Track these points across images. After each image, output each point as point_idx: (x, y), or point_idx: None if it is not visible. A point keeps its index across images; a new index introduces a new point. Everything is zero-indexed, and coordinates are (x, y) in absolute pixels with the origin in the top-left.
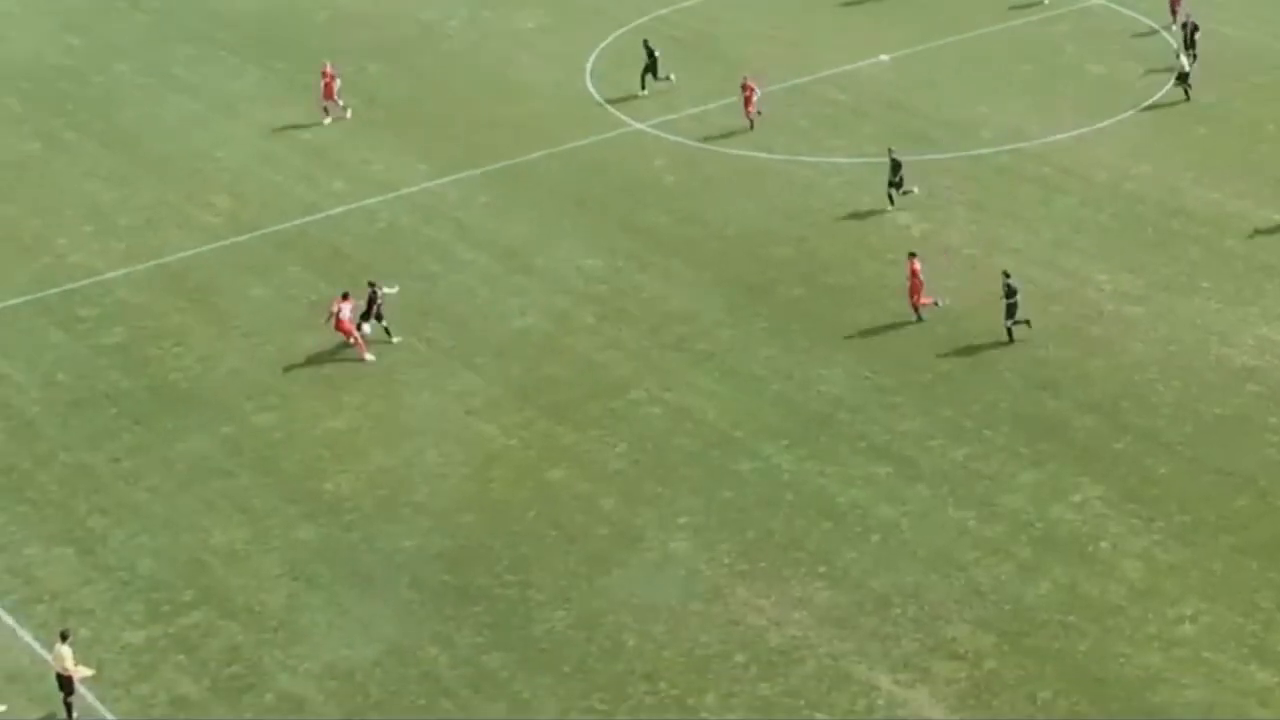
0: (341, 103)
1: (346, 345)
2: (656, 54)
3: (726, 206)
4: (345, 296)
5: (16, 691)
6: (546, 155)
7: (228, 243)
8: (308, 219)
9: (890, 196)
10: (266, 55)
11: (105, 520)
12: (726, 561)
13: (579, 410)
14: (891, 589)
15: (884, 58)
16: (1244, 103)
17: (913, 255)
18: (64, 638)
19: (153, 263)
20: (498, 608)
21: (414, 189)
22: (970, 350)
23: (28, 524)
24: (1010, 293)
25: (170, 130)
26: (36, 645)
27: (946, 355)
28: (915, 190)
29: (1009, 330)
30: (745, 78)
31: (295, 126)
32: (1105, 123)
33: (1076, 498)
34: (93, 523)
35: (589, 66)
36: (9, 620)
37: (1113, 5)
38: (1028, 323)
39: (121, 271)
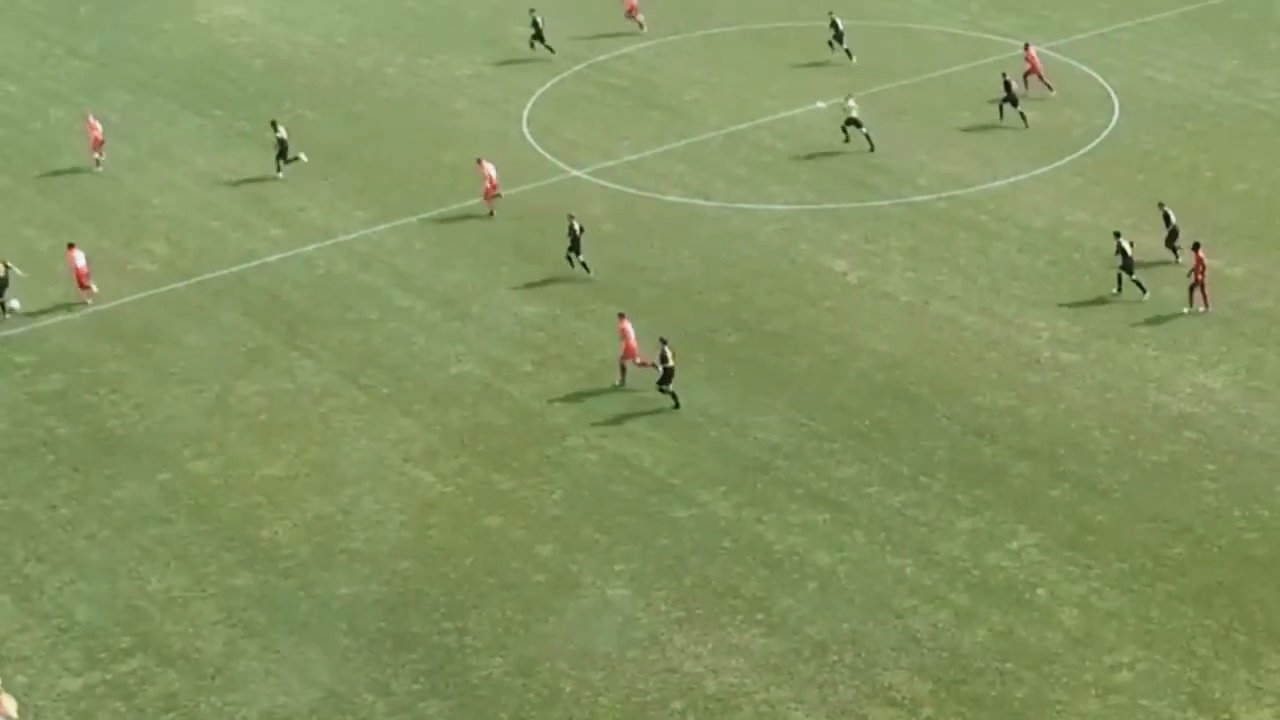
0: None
1: (285, 393)
2: (540, 21)
3: (663, 253)
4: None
5: None
6: (484, 203)
7: (165, 289)
8: (245, 266)
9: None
10: (203, 102)
11: (42, 567)
12: (664, 608)
13: (516, 457)
14: (829, 636)
15: (820, 104)
16: (1180, 149)
17: (621, 315)
18: None
19: (90, 310)
20: (435, 655)
21: (351, 236)
22: (907, 397)
23: None
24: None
25: (107, 177)
26: None
27: (884, 402)
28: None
29: (1138, 284)
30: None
31: (232, 173)
32: (1042, 169)
33: (1013, 544)
34: (30, 570)
35: (526, 114)
36: None
37: (1049, 52)
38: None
39: (58, 319)
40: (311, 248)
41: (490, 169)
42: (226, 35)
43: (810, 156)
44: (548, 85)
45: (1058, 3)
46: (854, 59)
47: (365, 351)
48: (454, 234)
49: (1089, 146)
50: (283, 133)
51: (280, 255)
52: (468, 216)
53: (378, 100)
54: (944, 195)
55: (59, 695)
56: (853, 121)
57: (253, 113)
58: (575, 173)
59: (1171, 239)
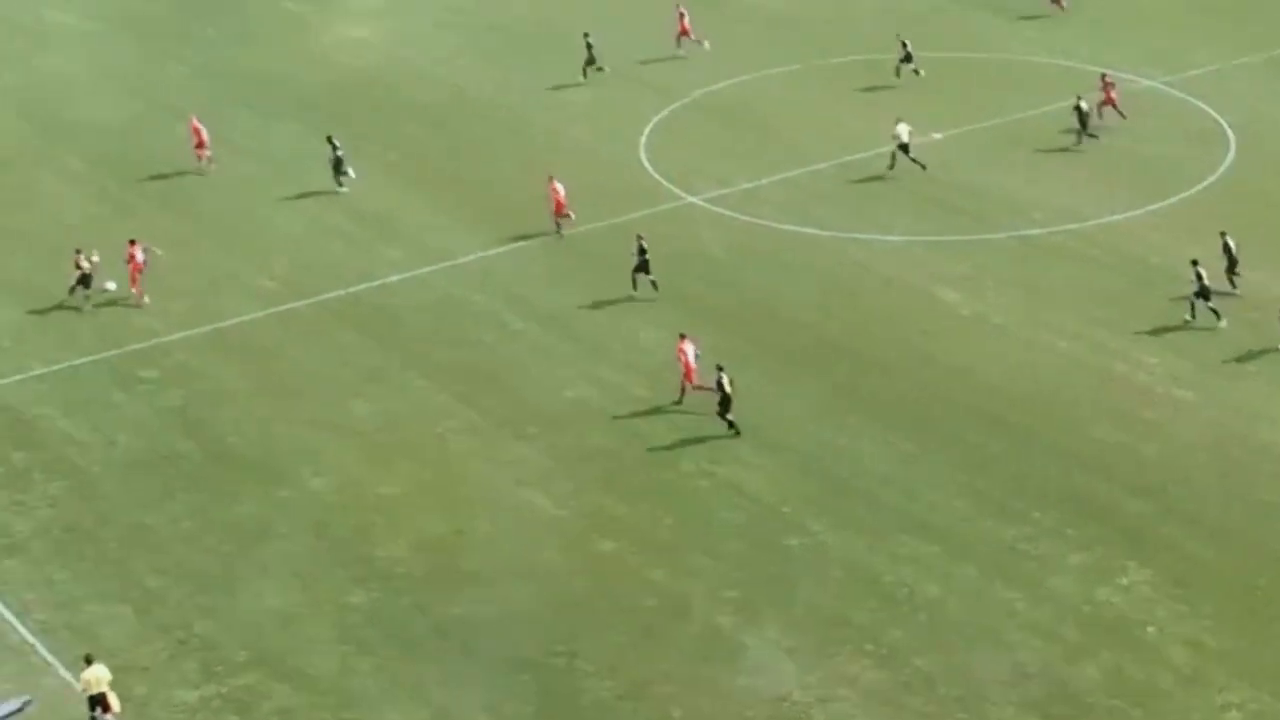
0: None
1: (401, 413)
2: (592, 44)
3: (776, 281)
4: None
5: None
6: (600, 227)
7: (285, 308)
8: (364, 286)
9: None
10: (325, 123)
11: (163, 580)
12: (773, 636)
13: (629, 482)
14: (938, 668)
15: (936, 135)
16: None
17: (682, 336)
18: (89, 661)
19: (211, 326)
20: (545, 677)
21: (468, 258)
22: (1021, 430)
23: (88, 582)
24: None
25: (230, 195)
26: None
27: (996, 435)
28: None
29: (1214, 311)
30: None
31: (352, 194)
32: (1156, 205)
33: (1124, 581)
34: (151, 582)
35: (643, 140)
36: (68, 676)
37: (1166, 89)
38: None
39: (181, 334)
40: (428, 269)
41: (560, 188)
42: (349, 57)
43: (925, 188)
44: (664, 112)
45: (1173, 36)
46: (921, 74)
47: (480, 374)
48: (569, 258)
49: (1204, 183)
50: (339, 149)
51: (398, 276)
52: (583, 240)
53: (496, 124)
54: (1057, 229)
55: (176, 706)
56: (903, 147)
57: (373, 134)
58: (691, 199)
59: (1231, 269)
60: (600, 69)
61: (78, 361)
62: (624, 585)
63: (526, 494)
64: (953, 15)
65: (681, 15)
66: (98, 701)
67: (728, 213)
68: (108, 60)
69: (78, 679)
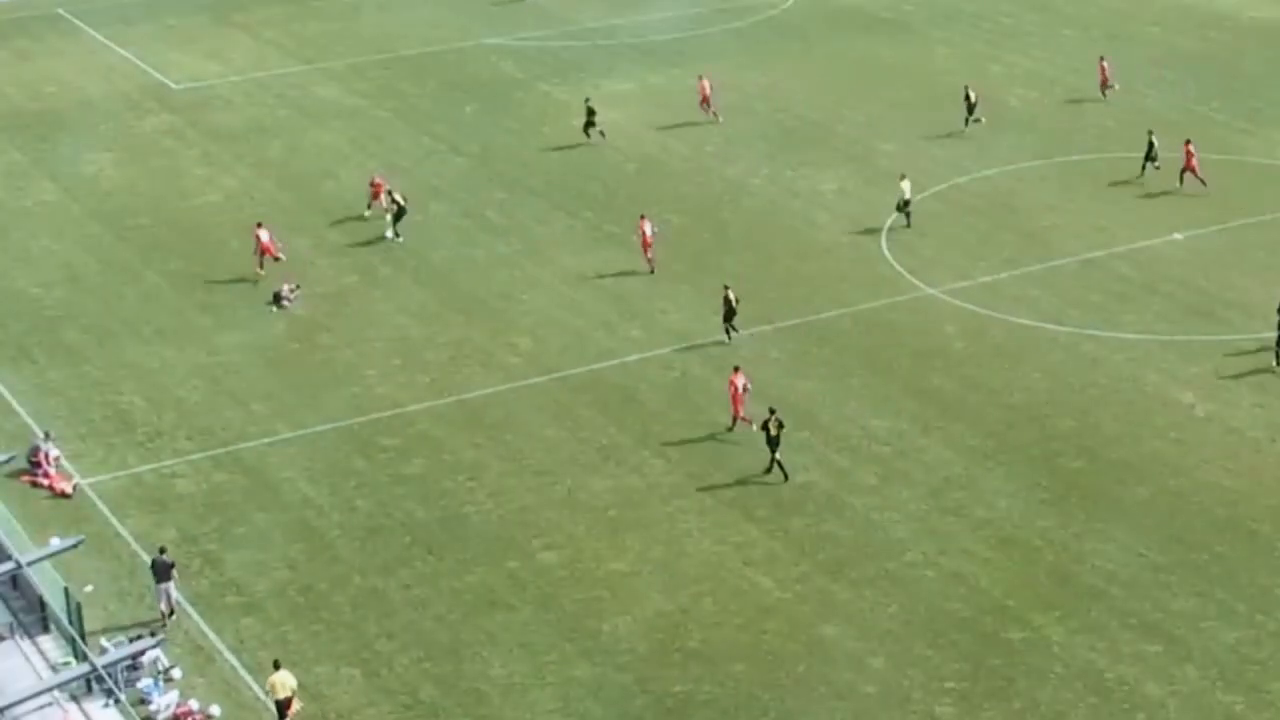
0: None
1: (634, 490)
2: (593, 109)
3: (1012, 375)
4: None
5: None
6: (839, 315)
7: (527, 383)
8: (604, 364)
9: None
10: (574, 203)
11: (392, 644)
12: None
13: (855, 568)
14: None
15: (1177, 235)
16: None
17: (736, 369)
18: (277, 666)
19: (454, 398)
20: None
21: (708, 340)
22: (1248, 533)
23: (319, 643)
24: None
25: (480, 270)
26: None
27: (1224, 537)
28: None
29: None
30: None
31: (597, 273)
32: None
33: None
34: (380, 646)
35: (886, 229)
36: None
37: None
38: None
39: (424, 405)
40: (669, 350)
41: (648, 228)
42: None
43: (1163, 287)
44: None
45: None
46: (982, 121)
47: (714, 454)
48: (808, 344)
49: None
50: (400, 200)
51: (639, 355)
52: (822, 328)
53: (742, 209)
54: None
55: None
56: (905, 203)
57: (621, 215)
58: (930, 291)
59: None
60: (602, 133)
61: (322, 428)
62: (845, 671)
63: (752, 575)
64: (1198, 116)
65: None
66: (284, 707)
67: (966, 305)
68: (370, 136)
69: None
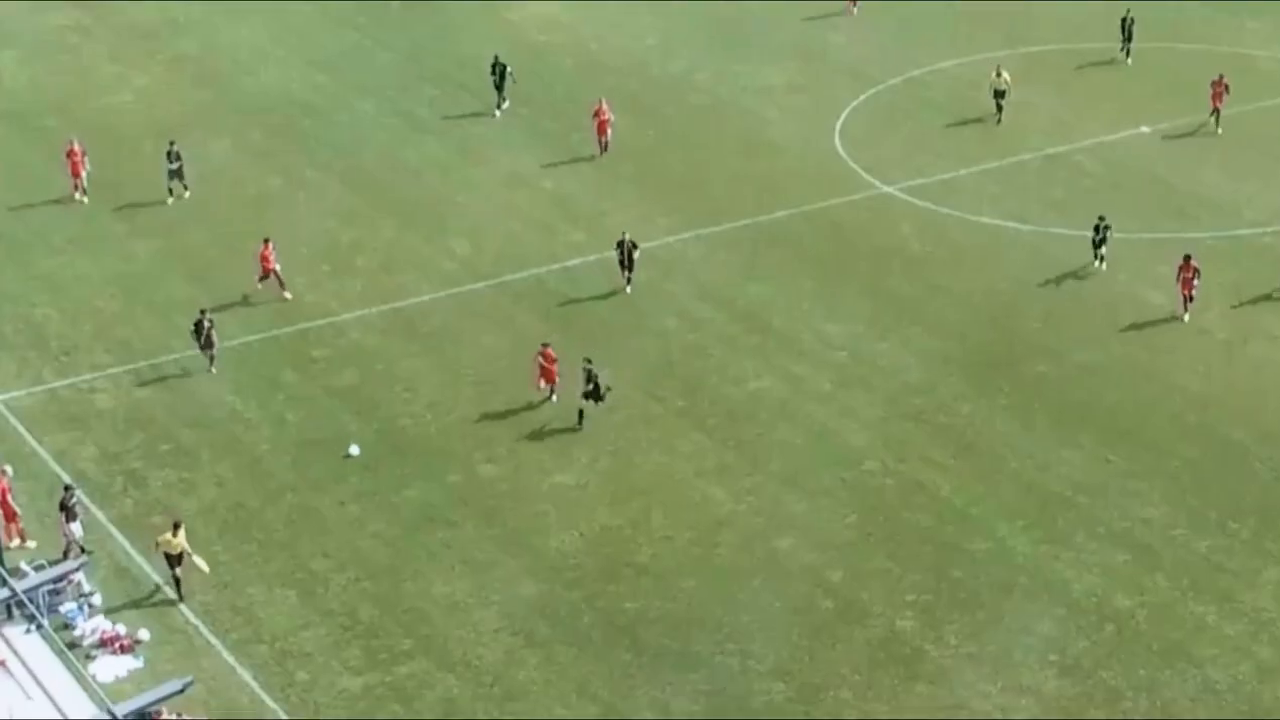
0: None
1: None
2: (509, 71)
3: (973, 276)
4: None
5: None
6: (791, 215)
7: (464, 289)
8: (545, 269)
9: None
10: (510, 100)
11: (328, 563)
12: (954, 643)
13: (810, 478)
14: (1123, 682)
15: (1144, 129)
16: None
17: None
18: (176, 528)
19: (388, 306)
20: (717, 676)
21: (654, 243)
22: (1219, 439)
23: (252, 563)
24: None
25: (411, 172)
26: (255, 685)
27: (1195, 443)
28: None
29: None
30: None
31: (537, 175)
32: None
33: None
34: (316, 565)
35: (839, 126)
36: (229, 659)
37: None
38: None
39: (356, 313)
40: (612, 253)
41: (607, 109)
42: (536, 33)
43: (1131, 183)
44: (862, 98)
45: None
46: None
47: (662, 362)
48: (759, 246)
49: None
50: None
51: (581, 260)
52: (773, 229)
53: (686, 106)
54: (1270, 230)
55: (339, 694)
56: (1001, 94)
57: (559, 113)
58: (886, 189)
59: None
60: (503, 98)
61: (250, 339)
62: (801, 585)
63: (704, 486)
64: (1170, 6)
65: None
66: (174, 561)
67: (923, 203)
68: (291, 31)
69: (239, 660)
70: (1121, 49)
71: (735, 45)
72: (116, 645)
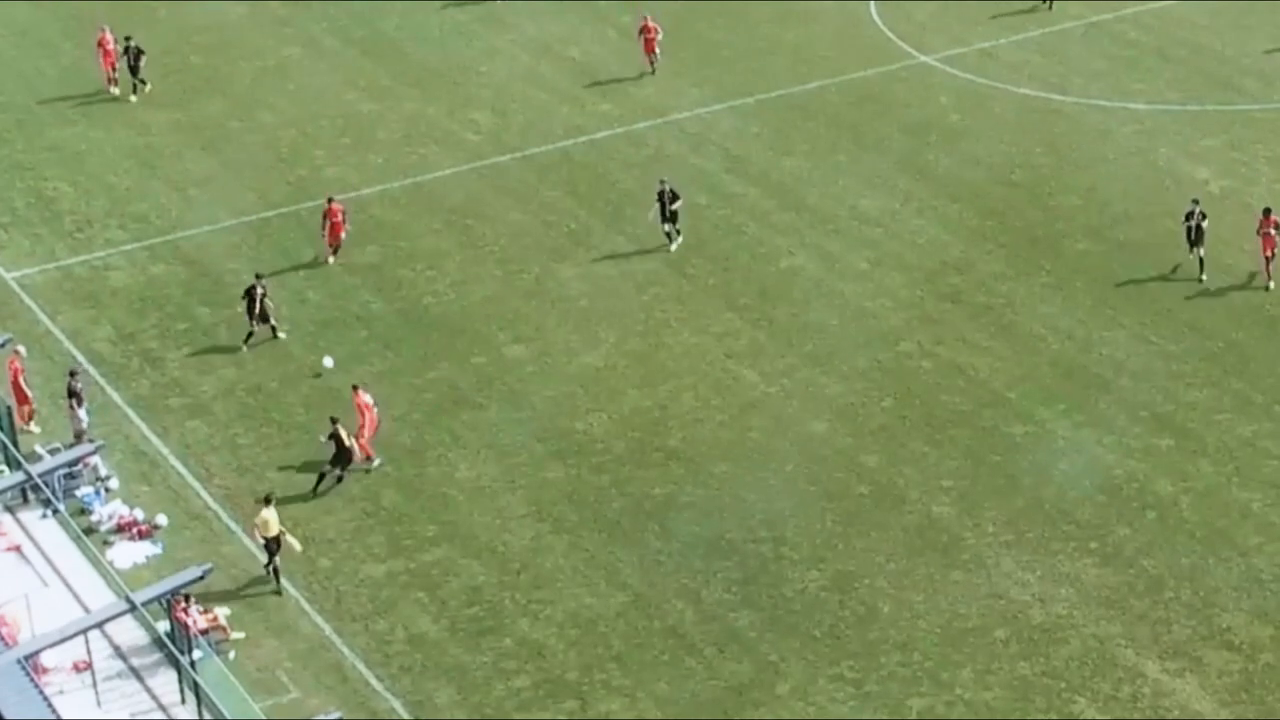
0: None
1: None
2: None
3: (1013, 150)
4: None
5: (255, 619)
6: (825, 85)
7: (487, 163)
8: (571, 141)
9: None
10: None
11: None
12: (991, 530)
13: (845, 360)
14: (1165, 570)
15: None
16: None
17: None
18: (268, 501)
19: (409, 180)
20: (749, 564)
21: (684, 115)
22: (1266, 320)
23: (271, 446)
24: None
25: (433, 41)
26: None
27: (1241, 323)
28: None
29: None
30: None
31: (562, 42)
32: None
33: None
34: None
35: None
36: (250, 545)
37: None
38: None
39: (377, 188)
40: (642, 125)
41: (654, 24)
42: None
43: (1176, 53)
44: None
45: None
46: None
47: (692, 239)
48: (792, 118)
49: None
50: None
51: (608, 132)
52: (807, 100)
53: None
54: None
55: (361, 581)
56: None
57: None
58: (924, 58)
59: None
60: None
61: (267, 214)
62: (836, 470)
63: (735, 368)
64: None
65: None
66: (273, 544)
67: (963, 74)
68: None
69: (259, 547)
70: None
71: None
72: (134, 531)
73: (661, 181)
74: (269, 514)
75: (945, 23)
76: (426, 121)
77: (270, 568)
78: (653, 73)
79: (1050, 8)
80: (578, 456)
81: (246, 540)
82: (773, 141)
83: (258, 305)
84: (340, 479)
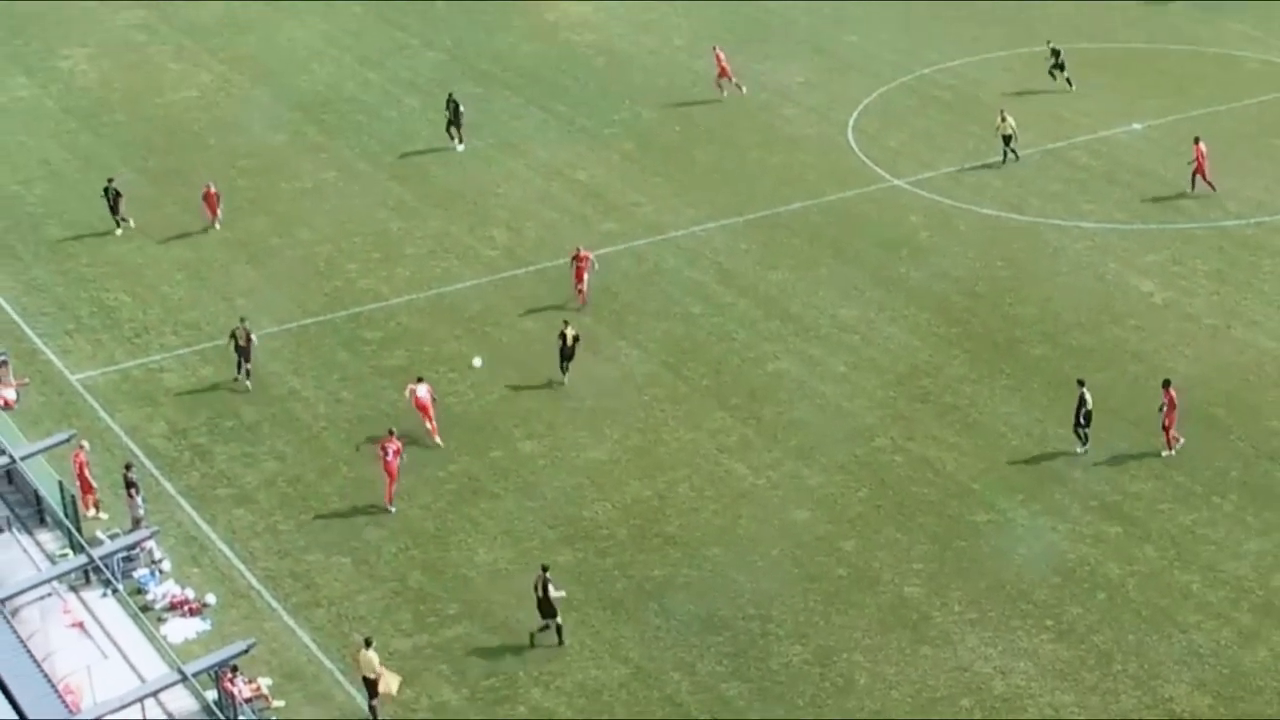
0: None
1: (611, 380)
2: (461, 109)
3: (976, 264)
4: (420, 380)
5: (294, 688)
6: (807, 206)
7: (504, 275)
8: None
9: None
10: (547, 97)
11: (380, 533)
12: (957, 609)
13: (825, 454)
14: (1114, 645)
15: (1136, 126)
16: None
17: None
18: (368, 644)
19: (433, 291)
20: (739, 639)
21: (680, 233)
22: (1204, 418)
23: (309, 532)
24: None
25: (455, 165)
26: (314, 646)
27: (1181, 421)
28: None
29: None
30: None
31: (571, 167)
32: None
33: None
34: (369, 535)
35: (852, 121)
36: (290, 621)
37: None
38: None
39: (405, 298)
40: (642, 242)
41: (722, 56)
42: (571, 33)
43: (1122, 176)
44: (874, 95)
45: None
46: (1074, 88)
47: (688, 344)
48: (777, 235)
49: None
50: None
51: (612, 248)
52: (791, 219)
53: (711, 102)
54: (1254, 221)
55: (391, 654)
56: (1007, 138)
57: (593, 109)
58: (896, 181)
59: None
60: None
61: (306, 322)
62: (817, 554)
63: (727, 461)
64: (1154, 8)
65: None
66: (373, 686)
67: (930, 195)
68: (344, 30)
69: (299, 623)
70: (1053, 69)
71: (756, 44)
72: (185, 608)
73: (565, 322)
74: (369, 655)
75: (915, 149)
76: (449, 238)
77: (371, 706)
78: (742, 92)
79: (1004, 162)
80: (585, 541)
81: (287, 617)
82: (760, 256)
83: (238, 345)
84: (547, 628)
